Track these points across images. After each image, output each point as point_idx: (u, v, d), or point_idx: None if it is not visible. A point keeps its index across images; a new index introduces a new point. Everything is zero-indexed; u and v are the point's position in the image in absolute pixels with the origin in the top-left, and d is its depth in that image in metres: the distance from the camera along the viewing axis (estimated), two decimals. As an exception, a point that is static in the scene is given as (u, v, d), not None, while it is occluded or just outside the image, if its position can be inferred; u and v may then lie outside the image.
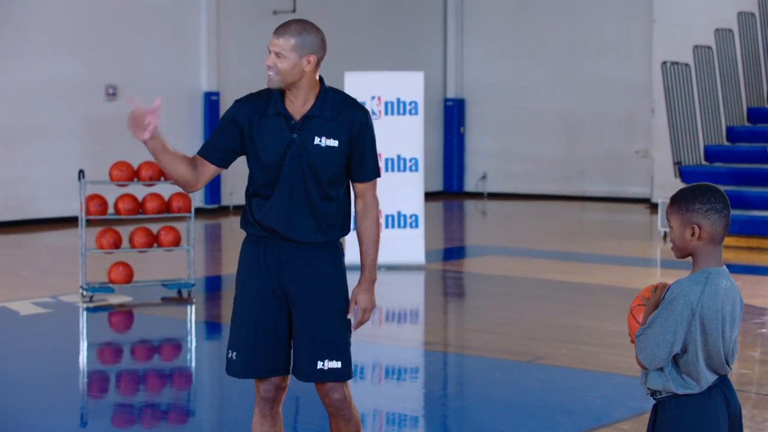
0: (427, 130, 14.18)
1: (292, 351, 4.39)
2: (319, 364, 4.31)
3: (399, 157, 12.25)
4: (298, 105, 4.29)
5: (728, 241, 14.38)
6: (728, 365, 3.45)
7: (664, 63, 16.33)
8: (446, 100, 23.55)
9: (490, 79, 23.09)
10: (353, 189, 4.41)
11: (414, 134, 12.31)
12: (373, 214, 4.41)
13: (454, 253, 14.29)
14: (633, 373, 7.17)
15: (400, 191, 12.21)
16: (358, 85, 12.30)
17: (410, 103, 12.30)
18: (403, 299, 10.71)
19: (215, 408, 6.86)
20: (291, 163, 4.26)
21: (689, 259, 3.50)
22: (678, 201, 3.47)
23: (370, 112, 4.30)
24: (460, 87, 23.59)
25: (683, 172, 15.44)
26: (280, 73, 4.22)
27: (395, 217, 12.17)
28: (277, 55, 4.23)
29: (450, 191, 23.36)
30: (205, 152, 4.35)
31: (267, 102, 4.32)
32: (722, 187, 15.49)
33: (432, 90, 22.11)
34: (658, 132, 18.12)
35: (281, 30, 4.26)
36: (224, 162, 4.38)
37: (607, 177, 21.47)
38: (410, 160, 12.31)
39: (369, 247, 4.39)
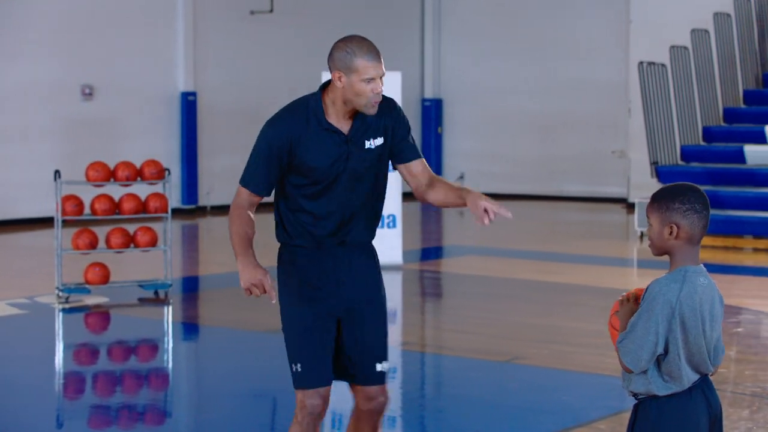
0: (404, 130, 14.15)
1: (344, 357, 4.40)
2: (378, 367, 4.37)
3: (376, 157, 12.24)
4: (346, 118, 4.25)
5: (704, 240, 14.38)
6: (711, 364, 3.45)
7: (641, 63, 16.37)
8: (424, 100, 23.56)
9: (467, 79, 23.12)
10: (409, 173, 4.39)
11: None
12: (426, 167, 4.43)
13: (431, 253, 14.29)
14: (611, 373, 7.19)
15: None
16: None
17: (388, 103, 12.28)
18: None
19: (192, 409, 6.84)
20: (347, 172, 4.26)
21: (666, 258, 3.51)
22: (658, 199, 3.48)
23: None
24: (438, 87, 23.61)
25: (660, 172, 15.49)
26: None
27: (373, 218, 12.16)
28: (381, 79, 4.20)
29: (427, 191, 23.32)
30: (255, 188, 4.31)
31: (305, 118, 4.24)
32: (699, 187, 15.45)
33: (410, 90, 22.11)
34: (635, 132, 18.19)
35: (377, 51, 4.19)
36: (270, 191, 4.41)
37: (584, 177, 21.53)
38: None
39: (443, 182, 4.39)
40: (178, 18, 19.05)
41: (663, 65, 16.29)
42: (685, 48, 16.68)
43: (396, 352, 7.94)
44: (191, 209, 19.25)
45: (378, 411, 4.41)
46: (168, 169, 10.48)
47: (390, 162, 4.41)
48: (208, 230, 17.41)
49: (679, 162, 16.10)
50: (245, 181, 4.32)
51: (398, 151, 4.37)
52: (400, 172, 4.42)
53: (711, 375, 3.50)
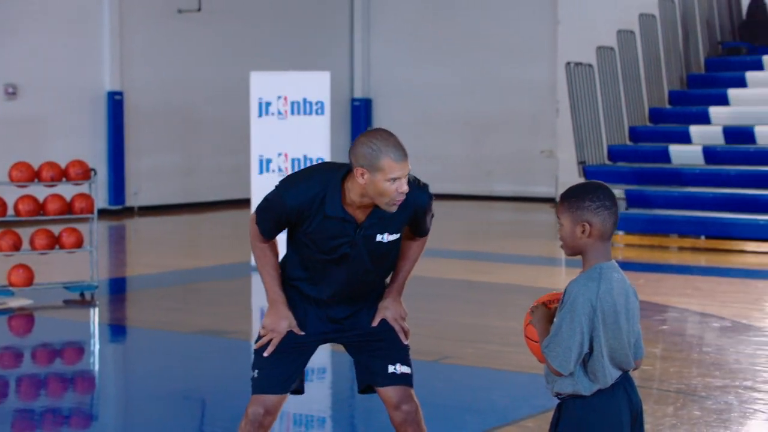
0: (333, 130, 14.16)
1: (360, 364, 4.41)
2: (390, 368, 4.34)
3: (305, 157, 12.21)
4: (363, 206, 4.16)
5: (630, 239, 14.64)
6: (632, 359, 3.49)
7: (568, 63, 16.54)
8: (353, 99, 23.56)
9: (397, 79, 23.16)
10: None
11: (320, 134, 12.28)
12: (423, 241, 4.45)
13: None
14: (538, 371, 7.25)
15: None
16: (264, 85, 12.24)
17: (317, 103, 12.27)
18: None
19: (119, 412, 6.77)
20: (351, 258, 4.22)
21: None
22: (568, 199, 3.50)
23: (425, 189, 4.28)
24: (368, 87, 23.62)
25: (587, 172, 15.66)
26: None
27: (302, 218, 12.13)
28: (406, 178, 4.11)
29: (357, 191, 23.33)
30: (264, 232, 4.27)
31: (320, 199, 4.14)
32: (625, 187, 15.65)
33: (339, 90, 22.10)
34: (563, 132, 18.37)
35: (403, 150, 4.07)
36: (278, 234, 4.35)
37: (514, 177, 21.68)
38: (316, 161, 12.27)
39: (408, 263, 4.43)
40: (103, 16, 18.83)
41: (590, 65, 16.47)
42: (612, 49, 16.88)
43: (325, 353, 7.94)
44: (118, 210, 19.05)
45: (407, 421, 4.34)
46: (94, 170, 10.36)
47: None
48: (136, 231, 17.24)
49: (606, 162, 16.29)
50: (257, 221, 4.27)
51: (413, 229, 4.36)
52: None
53: (633, 371, 3.54)
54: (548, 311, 3.58)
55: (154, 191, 19.72)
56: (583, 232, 3.46)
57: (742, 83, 17.04)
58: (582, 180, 15.52)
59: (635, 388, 3.55)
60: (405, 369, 4.36)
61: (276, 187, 4.22)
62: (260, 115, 12.22)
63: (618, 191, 15.02)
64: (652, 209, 14.95)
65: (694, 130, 16.05)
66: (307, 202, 4.12)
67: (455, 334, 8.79)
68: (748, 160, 15.19)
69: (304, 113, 12.26)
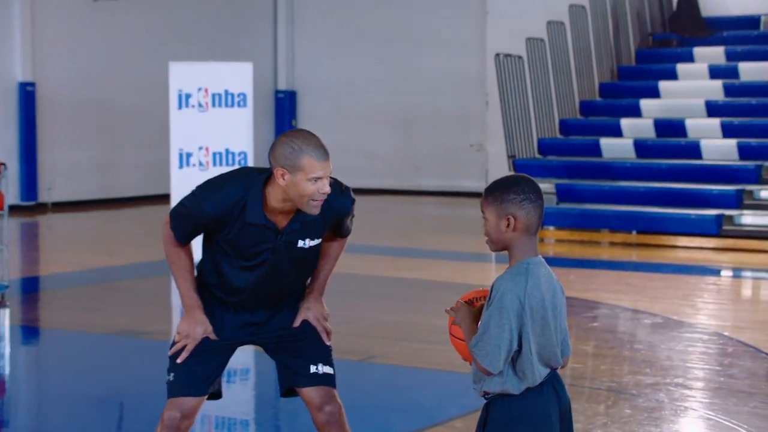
0: (257, 122, 14.10)
1: (281, 365, 4.38)
2: (312, 368, 4.31)
3: (227, 151, 12.14)
4: (285, 212, 4.13)
5: (561, 234, 14.76)
6: (560, 358, 3.50)
7: (497, 55, 16.63)
8: (277, 92, 23.47)
9: (322, 71, 23.10)
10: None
11: (243, 127, 12.21)
12: (344, 241, 4.45)
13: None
14: (466, 370, 7.26)
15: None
16: (184, 76, 12.14)
17: (239, 95, 12.20)
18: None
19: (31, 417, 6.66)
20: (270, 264, 4.18)
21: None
22: (492, 192, 3.50)
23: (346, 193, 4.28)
24: (292, 79, 23.54)
25: (517, 165, 15.76)
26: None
27: (224, 214, 12.05)
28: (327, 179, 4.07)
29: (282, 186, 23.26)
30: (178, 237, 4.22)
31: (241, 205, 4.10)
32: (555, 181, 15.77)
33: (262, 81, 22.00)
34: (493, 125, 18.45)
35: (325, 149, 4.07)
36: (193, 239, 4.30)
37: (442, 171, 21.75)
38: (239, 155, 12.20)
39: (329, 262, 4.42)
40: (13, 3, 18.52)
41: (520, 57, 16.58)
42: (542, 40, 17.01)
43: (248, 353, 7.89)
44: (31, 206, 18.77)
45: (330, 423, 4.32)
46: (4, 164, 10.21)
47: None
48: (49, 228, 17.00)
49: (537, 155, 16.41)
50: (172, 226, 4.21)
51: (335, 231, 4.35)
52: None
53: (561, 368, 3.55)
54: (473, 309, 3.57)
55: (69, 186, 19.46)
56: (508, 225, 3.46)
57: (673, 75, 17.27)
58: (510, 173, 15.62)
59: (563, 386, 3.56)
60: (327, 369, 4.35)
61: (193, 192, 4.17)
62: (180, 107, 12.12)
63: (548, 185, 15.14)
64: (582, 204, 15.08)
65: (625, 123, 16.23)
66: (227, 209, 4.09)
67: (381, 332, 8.79)
68: (680, 153, 15.40)
69: (226, 105, 12.18)
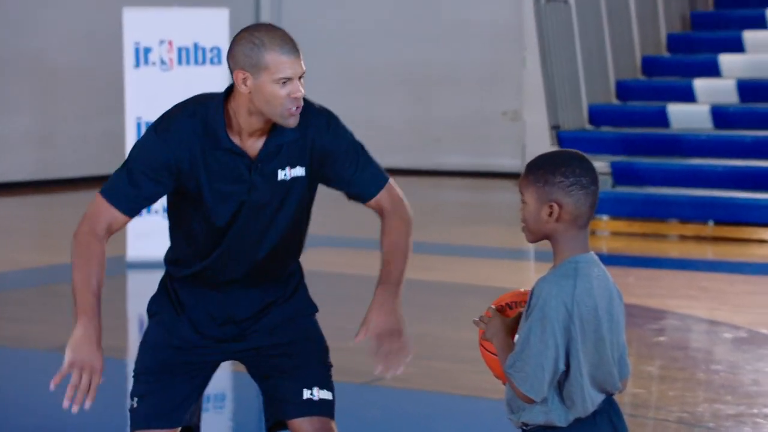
0: (234, 85, 14.08)
1: (268, 391, 4.38)
2: (306, 393, 4.31)
3: (198, 120, 12.13)
4: (255, 136, 4.12)
5: (617, 226, 14.74)
6: (618, 380, 3.49)
7: (538, 0, 16.59)
8: (260, 46, 23.46)
9: (316, 21, 23.08)
10: (370, 205, 4.38)
11: (217, 90, 12.19)
12: (403, 219, 4.43)
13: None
14: (500, 396, 7.26)
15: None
16: (141, 26, 12.13)
17: (212, 50, 12.20)
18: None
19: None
20: (247, 210, 4.16)
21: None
22: (535, 170, 3.50)
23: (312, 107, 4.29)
24: (279, 29, 23.52)
25: (562, 139, 15.73)
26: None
27: (193, 199, 12.06)
28: (301, 79, 4.11)
29: (266, 165, 23.28)
30: (120, 204, 4.19)
31: (202, 132, 4.12)
32: (610, 158, 15.75)
33: (241, 33, 21.96)
34: (531, 88, 18.43)
35: (293, 42, 4.14)
36: (140, 211, 4.29)
37: (468, 146, 21.73)
38: (213, 125, 12.22)
39: (392, 246, 4.38)
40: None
41: (566, 2, 16.54)
42: (594, -20, 16.95)
43: (226, 374, 7.90)
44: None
45: None
46: None
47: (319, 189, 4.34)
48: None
49: (587, 126, 16.39)
50: (108, 193, 4.17)
51: (345, 185, 4.29)
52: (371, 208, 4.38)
53: (618, 393, 3.54)
54: (508, 319, 3.57)
55: (21, 161, 19.54)
56: (551, 214, 3.47)
57: (761, 23, 17.21)
58: (556, 149, 15.59)
59: (621, 416, 3.56)
60: (324, 394, 4.35)
61: (139, 141, 4.19)
62: (137, 65, 12.11)
63: (602, 164, 15.11)
64: (645, 187, 15.06)
65: (700, 84, 16.20)
66: (186, 141, 4.10)
67: (393, 349, 8.78)
68: (769, 123, 15.37)
69: (195, 63, 12.18)
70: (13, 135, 19.72)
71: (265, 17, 23.45)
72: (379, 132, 22.30)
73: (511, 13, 20.81)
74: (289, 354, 4.35)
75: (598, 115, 16.45)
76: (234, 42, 4.08)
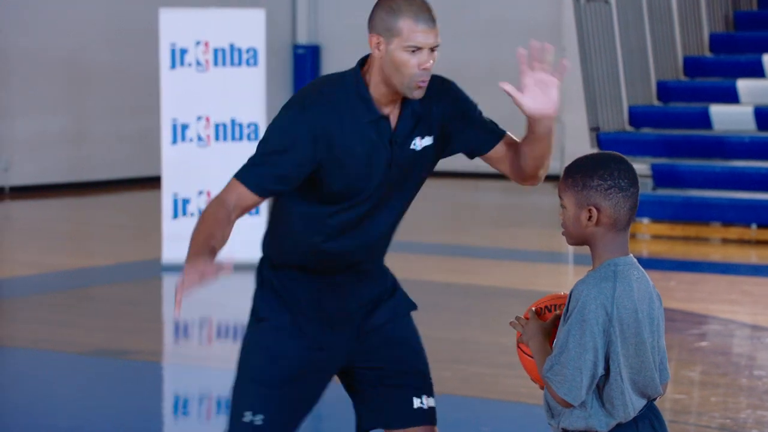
0: (270, 86, 14.10)
1: (366, 400, 4.30)
2: (417, 402, 4.26)
3: (233, 122, 12.18)
4: (391, 106, 4.09)
5: (659, 229, 14.70)
6: (659, 384, 3.49)
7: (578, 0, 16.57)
8: (296, 47, 23.51)
9: (352, 20, 23.04)
10: (498, 159, 4.26)
11: (253, 92, 12.24)
12: None
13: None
14: (537, 401, 7.25)
15: (235, 167, 12.07)
16: (178, 26, 12.17)
17: (248, 51, 12.23)
18: (240, 310, 10.64)
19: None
20: (384, 185, 4.12)
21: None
22: (573, 174, 3.51)
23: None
24: (314, 30, 23.58)
25: (602, 141, 15.70)
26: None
27: (229, 201, 12.09)
28: (433, 51, 4.01)
29: (302, 167, 23.32)
30: (255, 186, 4.03)
31: (348, 103, 4.05)
32: (651, 160, 15.69)
33: (277, 34, 22.03)
34: (571, 89, 18.36)
35: (429, 12, 4.00)
36: (277, 193, 4.14)
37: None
38: (248, 126, 12.24)
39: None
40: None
41: (606, 2, 16.51)
42: (635, -21, 16.92)
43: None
44: (-16, 191, 18.94)
45: None
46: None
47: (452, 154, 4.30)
48: (7, 219, 17.14)
49: (627, 127, 16.35)
50: (243, 176, 4.05)
51: (475, 144, 4.23)
52: (486, 161, 4.30)
53: (659, 398, 3.54)
54: (546, 323, 3.58)
55: (32, 166, 19.57)
56: (590, 218, 3.48)
57: (805, 24, 17.14)
58: (595, 151, 15.57)
59: (663, 422, 3.56)
60: (432, 402, 4.30)
61: (274, 122, 4.08)
62: (173, 66, 12.16)
63: (642, 166, 15.08)
64: (686, 189, 15.02)
65: (743, 85, 16.14)
66: (334, 112, 4.02)
67: (430, 352, 8.78)
68: (814, 124, 15.30)
69: (231, 64, 12.22)
70: (46, 135, 19.79)
71: (302, 17, 23.49)
72: (416, 133, 22.36)
73: (550, 12, 20.80)
74: (395, 360, 4.30)
75: (638, 117, 16.41)
76: (375, 5, 4.03)
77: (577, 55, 16.36)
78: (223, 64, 12.20)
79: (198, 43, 12.16)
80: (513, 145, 4.24)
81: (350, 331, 4.25)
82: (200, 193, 11.96)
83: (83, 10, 19.97)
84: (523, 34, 21.40)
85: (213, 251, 3.94)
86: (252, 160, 4.06)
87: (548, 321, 3.59)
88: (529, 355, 3.60)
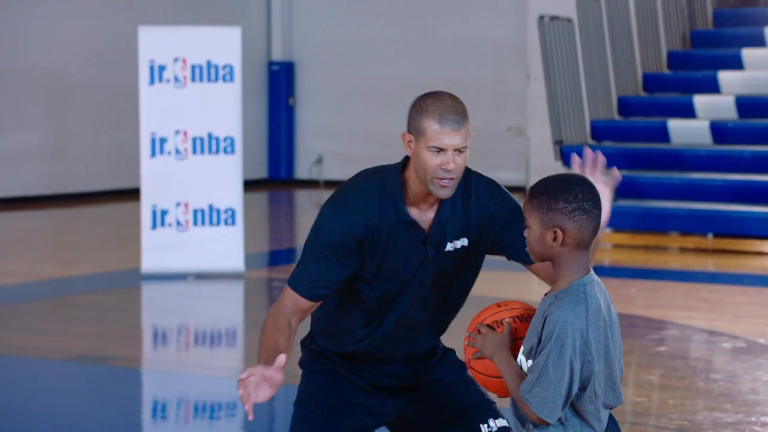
0: (246, 101, 14.11)
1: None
2: (484, 429, 4.20)
3: (210, 136, 12.17)
4: (429, 204, 4.06)
5: (620, 238, 14.75)
6: (621, 393, 3.51)
7: (542, 18, 16.61)
8: (271, 63, 23.49)
9: (326, 38, 23.11)
10: (534, 267, 4.20)
11: (229, 107, 12.24)
12: None
13: (282, 256, 14.25)
14: (505, 404, 7.26)
15: (211, 179, 12.13)
16: (157, 44, 12.16)
17: (224, 67, 12.23)
18: (217, 317, 10.64)
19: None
20: (416, 283, 4.09)
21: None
22: (538, 196, 3.50)
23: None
24: (289, 47, 23.55)
25: (565, 154, 15.75)
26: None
27: (206, 212, 12.10)
28: (461, 152, 4.00)
29: (277, 179, 23.29)
30: (304, 291, 4.06)
31: (382, 205, 4.02)
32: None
33: (253, 51, 22.01)
34: (535, 104, 18.42)
35: (456, 113, 3.98)
36: (327, 295, 4.13)
37: (473, 160, 21.49)
38: (225, 140, 12.24)
39: None
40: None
41: (569, 20, 16.56)
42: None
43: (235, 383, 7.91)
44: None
45: None
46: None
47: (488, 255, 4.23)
48: (-8, 230, 17.05)
49: (589, 141, 16.40)
50: (294, 281, 4.05)
51: (510, 249, 4.18)
52: (532, 271, 4.22)
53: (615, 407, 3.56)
54: (502, 335, 3.57)
55: (13, 179, 19.50)
56: (555, 239, 3.48)
57: (760, 41, 17.22)
58: (559, 165, 15.61)
59: (619, 427, 3.58)
60: (501, 422, 4.23)
61: (316, 223, 4.06)
62: (152, 82, 12.15)
63: (603, 179, 15.12)
64: (646, 201, 15.06)
65: (700, 101, 16.21)
66: (369, 217, 4.00)
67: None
68: (767, 138, 15.36)
69: (209, 80, 12.21)
70: (27, 149, 19.72)
71: (277, 35, 23.48)
72: (383, 146, 22.30)
73: (515, 30, 20.82)
74: (446, 391, 4.29)
75: (600, 131, 16.47)
76: (411, 105, 4.07)
77: (542, 72, 16.42)
78: (201, 80, 12.20)
79: (176, 59, 12.15)
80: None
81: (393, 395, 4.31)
82: (178, 204, 11.95)
83: (65, 28, 19.92)
84: (489, 52, 21.48)
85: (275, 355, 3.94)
86: (301, 266, 4.06)
87: (505, 333, 3.59)
88: (487, 376, 3.62)
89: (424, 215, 4.05)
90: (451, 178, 3.95)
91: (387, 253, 4.03)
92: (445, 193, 3.95)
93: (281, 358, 3.81)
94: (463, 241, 4.10)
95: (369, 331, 4.17)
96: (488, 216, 4.12)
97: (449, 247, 4.07)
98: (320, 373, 4.29)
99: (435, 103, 3.95)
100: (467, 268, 4.18)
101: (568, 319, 3.39)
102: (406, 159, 4.09)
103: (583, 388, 3.42)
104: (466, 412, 4.23)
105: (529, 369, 3.44)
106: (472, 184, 4.10)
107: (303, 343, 4.35)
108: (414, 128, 3.99)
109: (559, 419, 3.42)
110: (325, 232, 4.02)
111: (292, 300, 4.05)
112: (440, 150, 3.94)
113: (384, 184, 4.04)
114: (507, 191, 4.21)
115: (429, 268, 4.07)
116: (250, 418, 3.80)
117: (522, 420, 3.50)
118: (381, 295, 4.10)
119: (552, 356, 3.38)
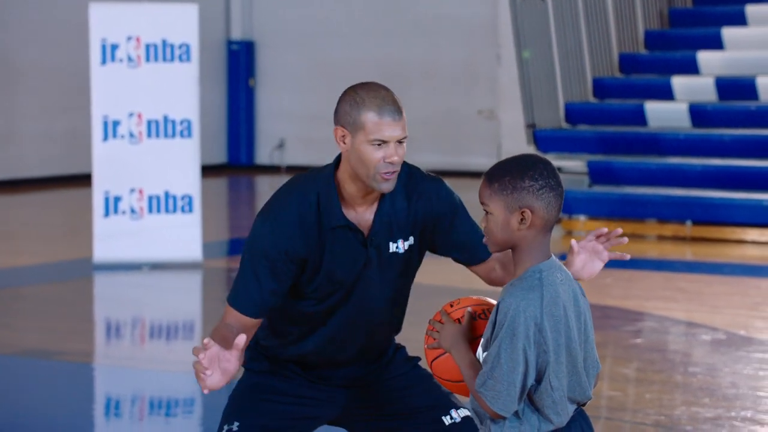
0: (204, 82, 14.07)
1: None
2: (446, 420, 4.22)
3: (166, 118, 12.12)
4: (368, 203, 4.07)
5: (595, 225, 14.75)
6: (589, 388, 3.49)
7: (514, -4, 16.62)
8: (230, 42, 23.44)
9: (288, 16, 23.07)
10: (485, 271, 4.32)
11: (186, 88, 12.19)
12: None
13: (242, 245, 14.22)
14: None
15: (167, 164, 12.08)
16: (108, 21, 12.09)
17: (180, 46, 12.18)
18: (174, 309, 10.61)
19: None
20: (361, 287, 4.10)
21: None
22: (499, 177, 3.46)
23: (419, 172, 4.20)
24: (249, 26, 23.51)
25: (538, 138, 15.76)
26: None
27: (162, 199, 12.06)
28: (401, 143, 3.99)
29: (237, 164, 23.26)
30: (244, 308, 4.07)
31: (315, 211, 4.01)
32: (587, 157, 15.72)
33: (210, 29, 21.96)
34: (506, 86, 18.46)
35: (395, 104, 4.02)
36: (267, 311, 4.15)
37: (442, 144, 21.74)
38: (181, 123, 12.20)
39: None
40: None
41: (542, -1, 16.56)
42: (571, -24, 16.99)
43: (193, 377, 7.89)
44: None
45: None
46: None
47: (424, 255, 4.27)
48: None
49: (563, 124, 16.42)
50: (235, 300, 4.07)
51: (454, 250, 4.24)
52: (472, 271, 4.31)
53: (590, 389, 3.54)
54: (461, 326, 3.56)
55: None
56: (522, 221, 3.43)
57: (740, 20, 17.27)
58: (532, 148, 15.62)
59: (591, 425, 3.57)
60: (463, 412, 4.25)
61: (249, 238, 4.09)
62: (104, 62, 12.09)
63: (578, 163, 15.16)
64: (622, 186, 15.09)
65: (678, 82, 16.25)
66: (299, 225, 4.00)
67: (365, 352, 8.79)
68: (749, 121, 15.41)
69: (164, 60, 12.16)
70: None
71: (236, 12, 23.43)
72: (351, 130, 22.35)
73: (486, 9, 20.83)
74: (406, 394, 4.32)
75: (574, 114, 16.49)
76: (340, 97, 4.03)
77: (513, 52, 16.42)
78: (156, 59, 12.14)
79: (129, 38, 12.09)
80: (499, 262, 4.29)
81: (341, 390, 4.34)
82: (132, 190, 11.90)
83: (11, 6, 19.81)
84: (460, 32, 21.48)
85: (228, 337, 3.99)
86: (239, 282, 4.07)
87: (465, 324, 3.57)
88: (444, 380, 3.64)
89: (361, 216, 4.06)
90: (394, 171, 3.95)
91: (326, 259, 4.04)
92: (388, 187, 3.96)
93: (241, 338, 3.82)
94: (410, 241, 4.13)
95: (316, 337, 4.20)
96: (435, 215, 4.15)
97: (395, 248, 4.10)
98: (260, 373, 4.33)
99: (370, 95, 3.96)
100: (414, 267, 4.23)
101: (520, 307, 3.36)
102: (337, 160, 4.06)
103: (539, 380, 3.40)
104: (426, 407, 4.27)
105: (483, 360, 3.42)
106: (417, 182, 4.11)
107: (248, 346, 4.33)
108: (349, 122, 3.95)
109: (516, 413, 3.40)
110: (259, 246, 4.03)
111: (235, 318, 4.07)
112: (382, 143, 3.93)
113: (317, 189, 4.03)
114: (450, 188, 4.23)
115: (373, 269, 4.09)
116: (204, 391, 3.92)
117: (481, 417, 3.48)
118: (325, 300, 4.11)
119: (504, 346, 3.35)
